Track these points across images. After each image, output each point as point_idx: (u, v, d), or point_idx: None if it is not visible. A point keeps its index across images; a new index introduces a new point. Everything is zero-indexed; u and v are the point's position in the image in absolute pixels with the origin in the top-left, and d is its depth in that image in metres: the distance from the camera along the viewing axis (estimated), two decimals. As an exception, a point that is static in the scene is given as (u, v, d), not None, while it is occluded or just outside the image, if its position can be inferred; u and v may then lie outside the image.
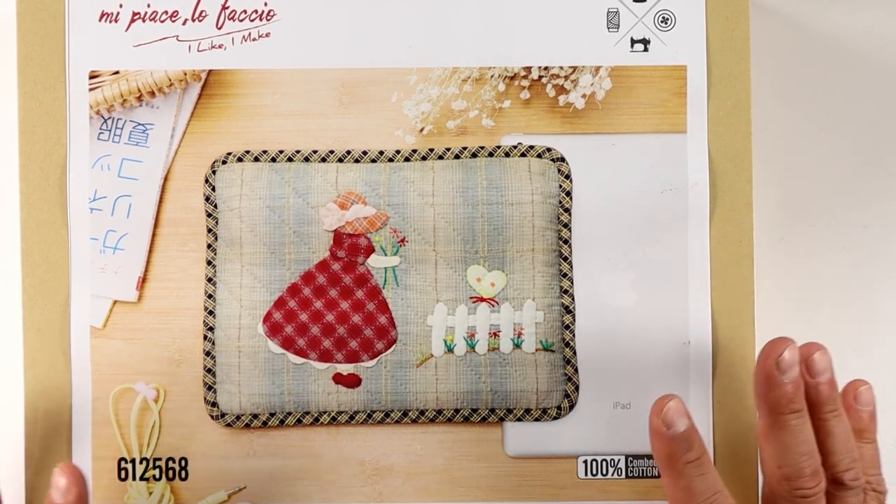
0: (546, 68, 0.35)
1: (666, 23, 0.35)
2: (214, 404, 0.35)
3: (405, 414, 0.35)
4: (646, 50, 0.35)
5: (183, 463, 0.35)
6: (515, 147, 0.35)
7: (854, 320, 0.40)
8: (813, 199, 0.40)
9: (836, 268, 0.40)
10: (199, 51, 0.35)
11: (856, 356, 0.40)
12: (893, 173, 0.41)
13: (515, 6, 0.35)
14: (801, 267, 0.40)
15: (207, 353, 0.35)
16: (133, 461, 0.35)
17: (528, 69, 0.35)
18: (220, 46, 0.35)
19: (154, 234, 0.35)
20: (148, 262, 0.35)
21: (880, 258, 0.40)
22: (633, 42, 0.35)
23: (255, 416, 0.35)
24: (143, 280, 0.35)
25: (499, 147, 0.35)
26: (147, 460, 0.35)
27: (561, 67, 0.35)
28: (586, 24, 0.35)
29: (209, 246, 0.35)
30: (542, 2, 0.35)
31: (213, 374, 0.35)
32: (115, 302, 0.35)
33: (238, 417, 0.35)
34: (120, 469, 0.35)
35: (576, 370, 0.35)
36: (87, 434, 0.34)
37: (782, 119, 0.40)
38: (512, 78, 0.35)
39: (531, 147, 0.35)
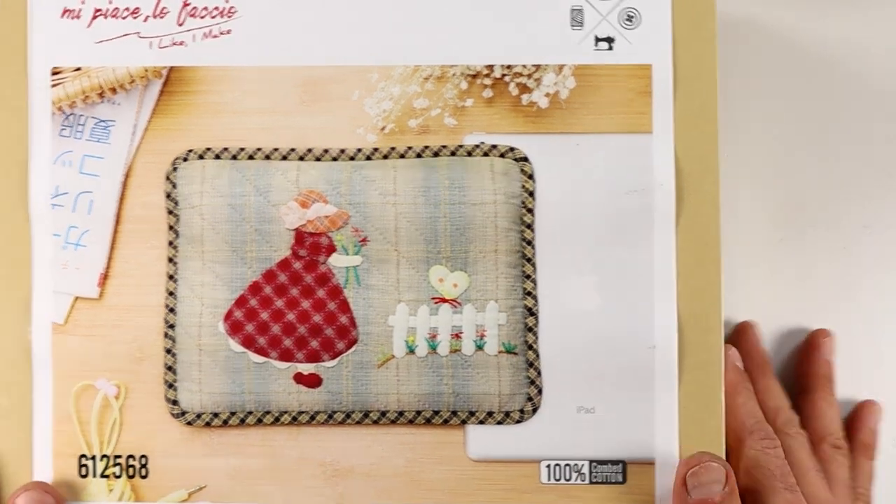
0: (509, 67, 0.36)
1: (631, 21, 0.36)
2: (175, 402, 0.36)
3: (366, 415, 0.36)
4: (610, 48, 0.36)
5: (143, 461, 0.36)
6: (478, 146, 0.36)
7: (854, 320, 0.41)
8: (813, 199, 0.40)
9: (836, 268, 0.40)
10: (160, 47, 0.36)
11: (856, 356, 0.40)
12: (893, 173, 0.41)
13: (478, 4, 0.36)
14: (801, 267, 0.40)
15: (168, 351, 0.36)
16: (94, 458, 0.36)
17: (491, 67, 0.36)
18: (181, 43, 0.36)
19: (116, 231, 0.36)
20: (109, 259, 0.36)
21: (880, 258, 0.41)
22: (596, 40, 0.36)
23: (216, 415, 0.36)
24: (105, 277, 0.36)
25: (461, 146, 0.36)
26: (107, 457, 0.36)
27: (524, 66, 0.36)
28: (549, 22, 0.36)
29: (170, 243, 0.36)
30: (504, 0, 0.36)
31: (174, 372, 0.36)
32: (76, 298, 0.36)
33: (198, 416, 0.36)
34: (80, 466, 0.36)
35: (539, 373, 0.36)
36: (49, 431, 0.36)
37: (782, 119, 0.40)
38: (474, 76, 0.36)
39: (494, 146, 0.36)
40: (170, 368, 0.36)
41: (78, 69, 0.36)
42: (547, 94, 0.36)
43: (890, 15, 0.40)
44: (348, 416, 0.36)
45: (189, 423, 0.36)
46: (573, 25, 0.36)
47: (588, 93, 0.36)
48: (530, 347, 0.36)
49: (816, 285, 0.40)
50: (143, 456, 0.36)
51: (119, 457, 0.36)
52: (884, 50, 0.40)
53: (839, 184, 0.40)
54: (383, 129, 0.36)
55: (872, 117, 0.40)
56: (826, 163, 0.40)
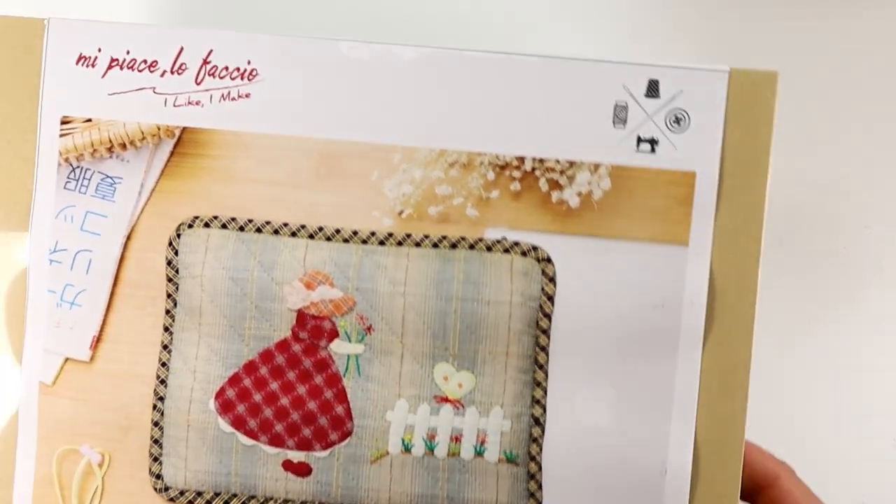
0: (541, 160, 0.33)
1: (679, 123, 0.33)
2: (159, 476, 0.35)
3: (353, 510, 0.34)
4: (653, 151, 0.33)
5: (121, 532, 0.35)
6: (499, 242, 0.34)
7: (854, 321, 0.40)
8: (813, 199, 0.39)
9: (837, 268, 0.40)
10: (175, 105, 0.34)
11: (856, 357, 0.40)
12: (894, 173, 0.40)
13: (513, 90, 0.33)
14: (802, 267, 0.40)
15: (156, 424, 0.35)
16: (71, 525, 0.35)
17: (522, 159, 0.33)
18: (197, 103, 0.34)
19: (112, 294, 0.34)
20: (104, 322, 0.34)
21: (881, 258, 0.40)
22: (639, 141, 0.33)
23: (200, 494, 0.35)
24: (98, 340, 0.35)
25: (481, 240, 0.34)
26: (85, 525, 0.35)
27: (557, 161, 0.33)
28: (589, 116, 0.33)
29: (168, 312, 0.35)
30: (542, 88, 0.33)
31: (160, 446, 0.35)
32: (66, 359, 0.34)
33: (182, 493, 0.35)
34: (57, 531, 0.35)
35: (539, 486, 0.34)
36: (29, 493, 0.35)
37: (783, 118, 0.39)
38: (503, 167, 0.34)
39: (516, 243, 0.34)
40: (156, 441, 0.35)
41: (88, 120, 0.34)
42: (579, 193, 0.33)
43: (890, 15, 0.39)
44: (335, 509, 0.35)
45: (171, 500, 0.35)
46: (615, 123, 0.33)
47: (623, 196, 0.33)
48: (533, 459, 0.34)
49: (816, 286, 0.39)
50: (121, 527, 0.35)
51: (97, 526, 0.35)
52: (885, 49, 0.39)
53: (839, 184, 0.39)
54: (401, 213, 0.34)
55: (874, 117, 0.39)
56: (826, 163, 0.39)
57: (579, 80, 0.33)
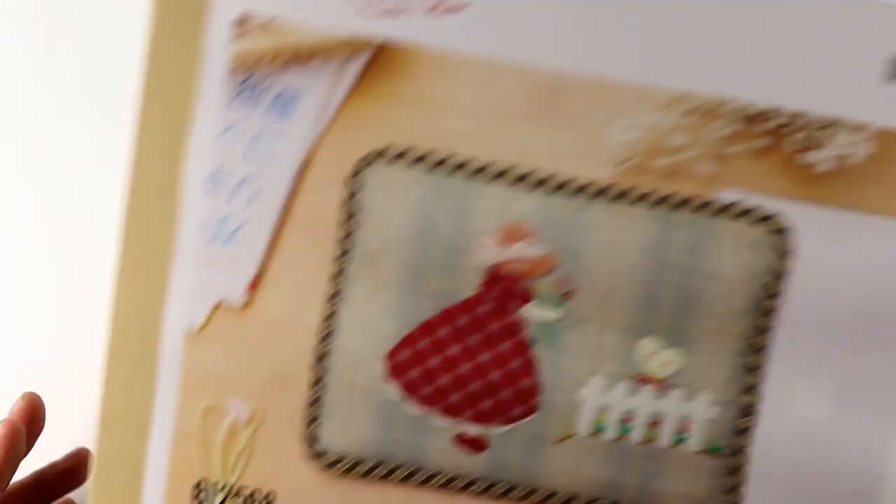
0: (797, 115, 0.28)
1: (962, 84, 0.28)
2: (315, 440, 0.30)
3: (532, 492, 0.30)
4: (927, 114, 0.28)
5: (270, 497, 0.31)
6: (730, 206, 0.29)
7: None
8: None
9: None
10: (373, 13, 0.28)
11: None
12: None
13: (771, 30, 0.28)
14: None
15: (316, 382, 0.30)
16: (214, 486, 0.31)
17: (774, 111, 0.28)
18: (400, 12, 0.28)
19: (278, 233, 0.30)
20: (264, 264, 0.30)
21: None
22: (914, 102, 0.28)
23: (360, 462, 0.31)
24: (255, 283, 0.30)
25: (710, 203, 0.29)
26: (229, 487, 0.31)
27: (816, 117, 0.28)
28: (857, 68, 0.28)
29: (338, 258, 0.30)
30: (805, 31, 0.28)
31: (319, 407, 0.30)
32: (217, 304, 0.30)
33: (339, 460, 0.31)
34: (199, 491, 0.31)
35: (743, 482, 0.30)
36: (166, 449, 0.30)
37: None
38: (751, 119, 0.29)
39: (748, 210, 0.29)
40: (315, 402, 0.30)
41: (268, 23, 0.29)
42: (835, 157, 0.29)
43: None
44: (511, 489, 0.31)
45: (328, 466, 0.31)
46: (889, 78, 0.28)
47: (887, 163, 0.29)
48: (739, 451, 0.30)
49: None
50: (269, 493, 0.31)
51: (244, 488, 0.31)
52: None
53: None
54: (622, 163, 0.29)
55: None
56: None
57: (848, 24, 0.28)
